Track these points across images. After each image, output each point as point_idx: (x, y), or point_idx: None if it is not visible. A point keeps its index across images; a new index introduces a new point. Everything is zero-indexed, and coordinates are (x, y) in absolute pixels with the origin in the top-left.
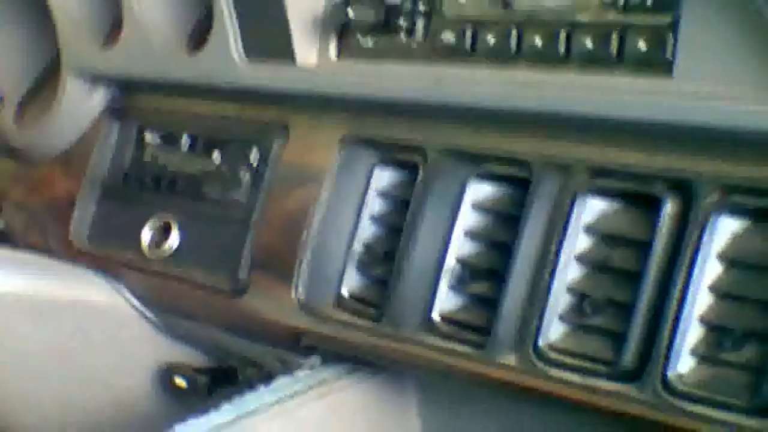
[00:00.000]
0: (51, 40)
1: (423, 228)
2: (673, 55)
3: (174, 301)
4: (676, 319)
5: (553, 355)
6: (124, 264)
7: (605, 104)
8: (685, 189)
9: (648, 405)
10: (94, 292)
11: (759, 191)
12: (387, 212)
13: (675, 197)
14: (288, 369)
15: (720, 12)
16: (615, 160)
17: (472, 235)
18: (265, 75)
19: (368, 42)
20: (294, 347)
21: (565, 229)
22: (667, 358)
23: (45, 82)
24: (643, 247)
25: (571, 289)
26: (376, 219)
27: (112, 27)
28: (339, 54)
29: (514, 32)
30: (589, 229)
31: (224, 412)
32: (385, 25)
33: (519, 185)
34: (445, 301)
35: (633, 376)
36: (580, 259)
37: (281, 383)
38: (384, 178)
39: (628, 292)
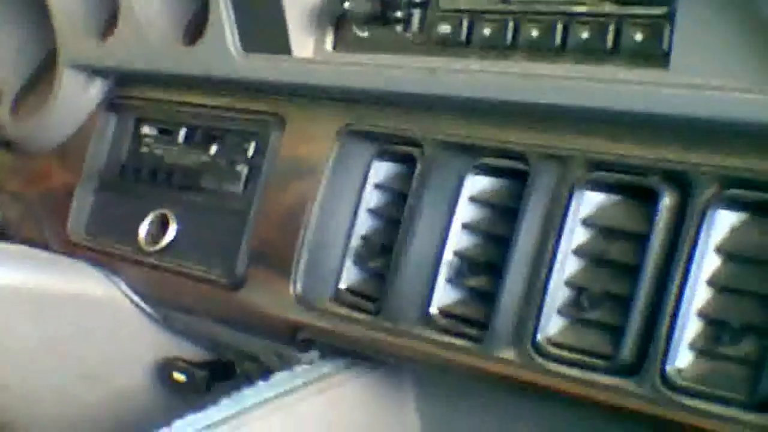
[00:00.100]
0: (48, 33)
1: (421, 221)
2: (669, 46)
3: (172, 295)
4: (674, 313)
5: (551, 350)
6: (122, 257)
7: (601, 96)
8: (682, 182)
9: (646, 399)
10: (91, 286)
11: (757, 184)
12: (384, 205)
13: (672, 190)
14: (286, 363)
15: (716, 3)
16: (612, 153)
17: (469, 228)
18: (262, 67)
19: (364, 34)
20: (292, 341)
21: (562, 222)
22: (665, 352)
23: (42, 74)
24: (641, 241)
25: (569, 283)
26: (373, 212)
27: (109, 20)
28: (335, 46)
29: (510, 24)
30: (587, 222)
31: (223, 408)
32: (382, 17)
33: (516, 178)
34: (443, 294)
35: (631, 370)
36: (578, 252)
37: (279, 378)
38: (381, 170)
39: (626, 285)
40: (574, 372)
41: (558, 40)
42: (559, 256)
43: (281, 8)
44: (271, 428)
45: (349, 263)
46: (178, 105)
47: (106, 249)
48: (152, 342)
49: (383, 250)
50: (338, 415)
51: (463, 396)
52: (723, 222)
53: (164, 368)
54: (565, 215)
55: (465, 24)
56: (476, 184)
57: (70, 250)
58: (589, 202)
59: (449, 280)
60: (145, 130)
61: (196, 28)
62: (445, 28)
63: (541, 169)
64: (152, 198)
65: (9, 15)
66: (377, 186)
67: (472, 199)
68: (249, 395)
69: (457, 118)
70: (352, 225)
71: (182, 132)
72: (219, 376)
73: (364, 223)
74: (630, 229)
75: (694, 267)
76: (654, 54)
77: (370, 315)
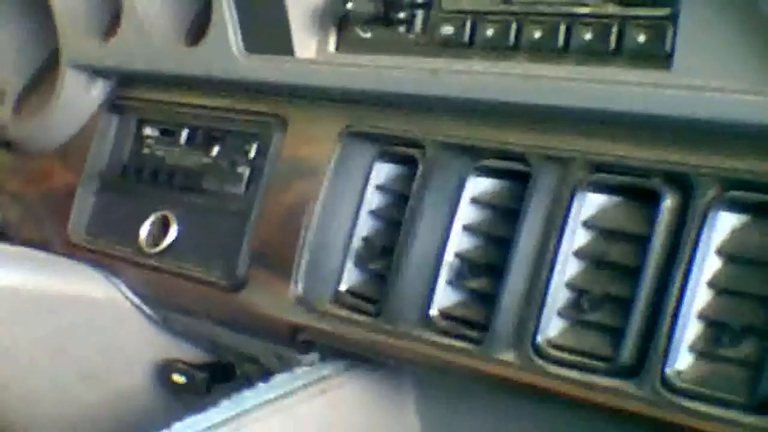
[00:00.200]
0: (50, 33)
1: (422, 223)
2: (672, 48)
3: (172, 296)
4: (675, 314)
5: (552, 352)
6: (122, 259)
7: (603, 97)
8: (684, 184)
9: (646, 401)
10: (91, 287)
11: (758, 186)
12: (386, 206)
13: (674, 192)
14: (286, 365)
15: (719, 5)
16: (614, 154)
17: (470, 230)
18: (264, 68)
19: (367, 35)
20: (292, 343)
21: (563, 223)
22: (665, 354)
23: (44, 75)
24: (642, 242)
25: (569, 285)
26: (374, 213)
27: (111, 20)
28: (338, 47)
29: (512, 25)
30: (588, 224)
31: (223, 409)
32: (384, 18)
33: (517, 179)
34: (444, 296)
35: (631, 372)
36: (579, 254)
37: (280, 380)
38: (383, 172)
39: (627, 287)
40: (574, 374)
41: (561, 41)
42: (560, 258)
43: (284, 9)
44: (271, 430)
45: (349, 265)
46: (180, 106)
47: (106, 250)
48: (152, 343)
49: (384, 251)
50: (338, 417)
51: (463, 398)
52: (724, 224)
53: (164, 370)
54: (566, 217)
55: (468, 25)
56: (477, 185)
57: (71, 251)
58: (590, 203)
59: (450, 282)
60: (147, 131)
61: (198, 28)
62: (447, 29)
63: (543, 171)
64: (153, 199)
65: (11, 15)
66: (378, 187)
67: (474, 201)
68: (249, 397)
69: (458, 120)
70: (353, 226)
71: (184, 133)
72: (219, 377)
73: (365, 225)
74: (631, 230)
75: (694, 269)
76: (657, 55)
77: (370, 317)
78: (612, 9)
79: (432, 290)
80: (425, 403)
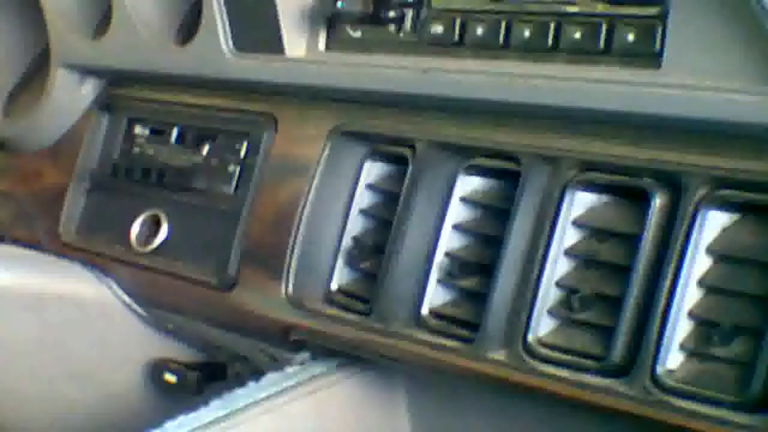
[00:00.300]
0: (40, 32)
1: (412, 222)
2: (662, 46)
3: (163, 295)
4: (665, 313)
5: (542, 351)
6: (113, 258)
7: (593, 96)
8: (673, 183)
9: (637, 400)
10: (82, 287)
11: (748, 185)
12: (376, 206)
13: (664, 191)
14: (277, 364)
15: (708, 4)
16: (604, 153)
17: (461, 229)
18: (254, 67)
19: (357, 34)
20: (283, 342)
21: (554, 223)
22: (656, 353)
23: (34, 73)
24: (632, 241)
25: (560, 284)
26: (365, 212)
27: (102, 19)
28: (328, 46)
29: (502, 24)
30: (578, 223)
31: (214, 409)
32: (374, 17)
33: (508, 178)
34: (435, 295)
35: (622, 371)
36: (569, 253)
37: (271, 379)
38: (373, 171)
39: (617, 286)
40: (565, 373)
41: (550, 40)
42: (551, 257)
43: (274, 8)
44: (261, 429)
45: (340, 264)
46: (170, 105)
47: (97, 249)
48: (143, 343)
49: (375, 250)
50: (329, 416)
51: (454, 396)
52: (714, 223)
53: (155, 369)
54: (556, 216)
55: (457, 24)
56: (468, 184)
57: (62, 250)
58: (580, 202)
59: (440, 281)
60: (138, 130)
61: (189, 27)
62: (437, 28)
63: (533, 170)
64: (144, 198)
65: (1, 14)
66: (369, 186)
67: (464, 200)
68: (240, 396)
69: (449, 119)
70: (344, 225)
71: (174, 132)
72: (210, 377)
73: (356, 224)
74: (621, 229)
75: (684, 268)
76: (646, 54)
77: (361, 316)
78: (601, 8)
79: (423, 289)
80: (416, 401)
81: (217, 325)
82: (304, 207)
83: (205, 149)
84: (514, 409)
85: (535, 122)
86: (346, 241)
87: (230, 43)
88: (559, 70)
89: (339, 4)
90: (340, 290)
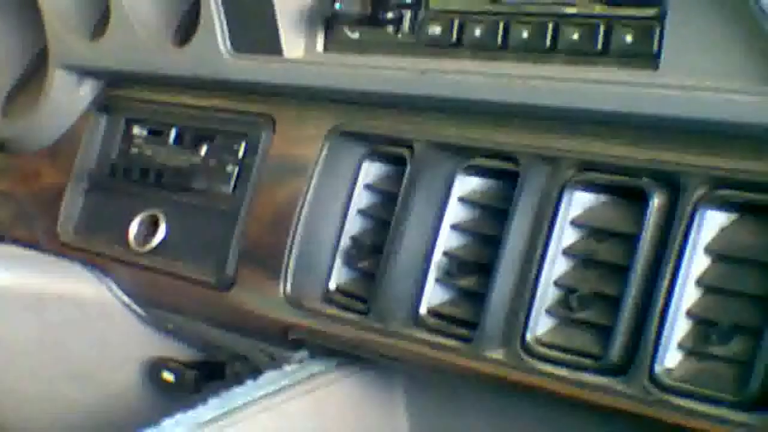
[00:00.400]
0: (38, 33)
1: (411, 222)
2: (659, 47)
3: (162, 295)
4: (664, 313)
5: (541, 350)
6: (112, 258)
7: (591, 96)
8: (672, 183)
9: (635, 399)
10: (81, 286)
11: (746, 185)
12: (374, 206)
13: (662, 191)
14: (276, 363)
15: (706, 5)
16: (602, 154)
17: (459, 228)
18: (252, 68)
19: (355, 35)
20: (282, 341)
21: (552, 222)
22: (654, 352)
23: (33, 74)
24: (630, 241)
25: (558, 283)
26: (363, 212)
27: (100, 20)
28: (326, 47)
29: (500, 25)
30: (577, 223)
31: (212, 407)
32: (372, 18)
33: (506, 179)
34: (433, 295)
35: (620, 370)
36: (568, 252)
37: (269, 378)
38: (371, 171)
39: (616, 286)
40: (563, 372)
41: (548, 41)
42: (549, 256)
43: (272, 9)
44: (259, 427)
45: (338, 263)
46: (168, 106)
47: (96, 249)
48: (142, 342)
49: (373, 250)
50: (327, 415)
51: (453, 396)
52: (712, 222)
53: (154, 368)
54: (554, 215)
55: (456, 25)
56: (466, 184)
57: (61, 250)
58: (578, 202)
59: (439, 281)
60: (136, 130)
61: (187, 28)
62: (435, 29)
63: (531, 170)
64: (142, 198)
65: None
66: (367, 186)
67: (462, 200)
68: (238, 394)
69: (447, 119)
70: (342, 225)
71: (173, 132)
72: (208, 376)
73: (354, 224)
74: (619, 229)
75: (683, 267)
76: (644, 55)
77: (359, 315)
78: (599, 9)
79: (421, 288)
80: (415, 400)
81: (215, 325)
82: (302, 207)
83: (204, 150)
84: (513, 408)
85: (533, 123)
86: (345, 241)
87: (228, 43)
88: (557, 71)
89: (337, 5)
90: (338, 290)
